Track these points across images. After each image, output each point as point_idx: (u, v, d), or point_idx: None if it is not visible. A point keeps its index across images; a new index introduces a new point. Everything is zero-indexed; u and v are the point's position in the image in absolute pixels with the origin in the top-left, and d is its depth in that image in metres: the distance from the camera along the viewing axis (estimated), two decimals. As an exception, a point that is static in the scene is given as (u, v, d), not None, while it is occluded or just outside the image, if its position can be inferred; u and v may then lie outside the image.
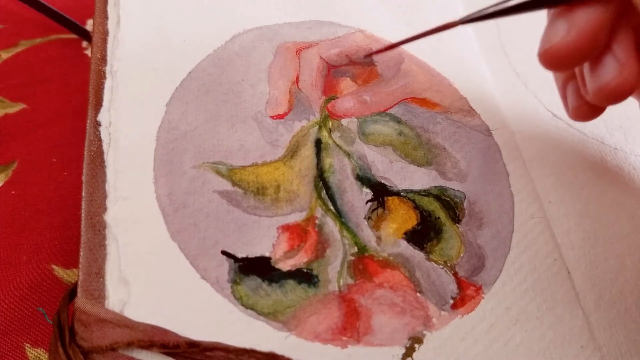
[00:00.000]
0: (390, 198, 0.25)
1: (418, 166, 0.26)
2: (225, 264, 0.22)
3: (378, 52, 0.28)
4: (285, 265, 0.23)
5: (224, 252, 0.22)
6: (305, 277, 0.23)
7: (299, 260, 0.23)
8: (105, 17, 0.27)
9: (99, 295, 0.21)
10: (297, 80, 0.27)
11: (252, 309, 0.21)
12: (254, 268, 0.22)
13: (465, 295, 0.24)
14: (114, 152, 0.23)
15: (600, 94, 0.22)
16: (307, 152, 0.26)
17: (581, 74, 0.23)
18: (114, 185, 0.23)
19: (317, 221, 0.24)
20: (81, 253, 0.21)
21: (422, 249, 0.24)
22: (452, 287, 0.24)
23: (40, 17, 0.37)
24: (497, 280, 0.24)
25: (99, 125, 0.24)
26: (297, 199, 0.24)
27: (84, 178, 0.23)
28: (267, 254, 0.23)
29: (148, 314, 0.20)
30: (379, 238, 0.24)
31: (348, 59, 0.29)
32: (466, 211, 0.26)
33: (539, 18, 0.23)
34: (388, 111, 0.28)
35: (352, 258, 0.23)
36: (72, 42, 0.38)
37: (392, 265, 0.24)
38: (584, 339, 0.24)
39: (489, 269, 0.25)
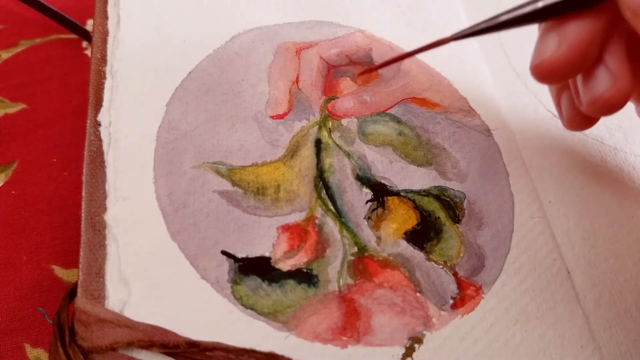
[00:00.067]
0: (390, 198, 0.25)
1: (418, 166, 0.26)
2: (225, 264, 0.22)
3: (370, 69, 0.28)
4: (285, 265, 0.23)
5: (224, 252, 0.22)
6: (305, 277, 0.23)
7: (299, 260, 0.23)
8: (105, 17, 0.27)
9: (99, 295, 0.21)
10: (297, 80, 0.28)
11: (252, 309, 0.21)
12: (254, 268, 0.22)
13: (465, 295, 0.24)
14: (114, 152, 0.23)
15: (594, 106, 0.22)
16: (307, 152, 0.26)
17: (575, 85, 0.23)
18: (114, 185, 0.23)
19: (317, 221, 0.24)
20: (81, 253, 0.21)
21: (422, 249, 0.24)
22: (452, 287, 0.24)
23: (40, 17, 0.37)
24: (497, 280, 0.24)
25: (99, 125, 0.24)
26: (297, 199, 0.24)
27: (84, 178, 0.23)
28: (267, 254, 0.23)
29: (148, 314, 0.20)
30: (378, 238, 0.24)
31: (348, 59, 0.29)
32: (466, 211, 0.26)
33: (539, 18, 0.22)
34: (388, 111, 0.28)
35: (352, 258, 0.23)
36: (72, 42, 0.38)
37: (392, 265, 0.24)
38: (584, 339, 0.24)
39: (488, 269, 0.25)
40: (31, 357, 0.27)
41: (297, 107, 0.27)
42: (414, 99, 0.28)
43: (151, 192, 0.23)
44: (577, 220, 0.27)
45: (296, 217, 0.24)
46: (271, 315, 0.21)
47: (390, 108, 0.28)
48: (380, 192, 0.25)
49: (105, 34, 0.27)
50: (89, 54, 0.37)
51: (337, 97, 0.28)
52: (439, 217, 0.25)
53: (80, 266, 0.21)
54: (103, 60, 0.26)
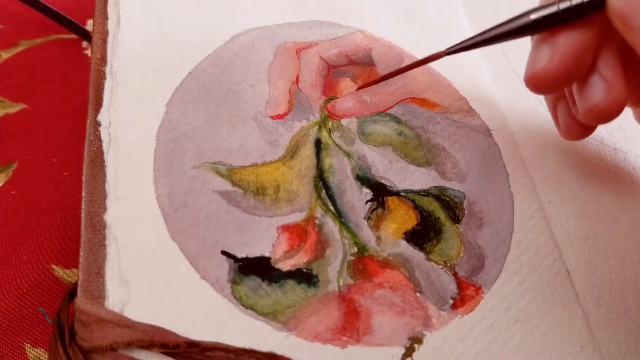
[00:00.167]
0: (390, 198, 0.25)
1: (418, 166, 0.26)
2: (225, 264, 0.22)
3: (368, 84, 0.28)
4: (285, 265, 0.23)
5: (223, 252, 0.22)
6: (305, 277, 0.23)
7: (298, 260, 0.23)
8: (105, 17, 0.27)
9: (99, 295, 0.21)
10: (297, 81, 0.28)
11: (251, 309, 0.21)
12: (254, 268, 0.22)
13: (465, 295, 0.24)
14: (114, 152, 0.23)
15: (590, 114, 0.22)
16: (307, 152, 0.26)
17: (571, 94, 0.23)
18: (114, 185, 0.23)
19: (316, 221, 0.24)
20: (81, 253, 0.21)
21: (421, 249, 0.24)
22: (452, 287, 0.24)
23: (40, 17, 0.37)
24: (497, 280, 0.24)
25: (99, 125, 0.24)
26: (296, 199, 0.24)
27: (84, 178, 0.23)
28: (267, 254, 0.23)
29: (148, 314, 0.20)
30: (378, 238, 0.24)
31: (348, 59, 0.29)
32: (466, 211, 0.26)
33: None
34: (388, 111, 0.28)
35: (352, 258, 0.23)
36: (72, 42, 0.38)
37: (392, 265, 0.24)
38: (584, 339, 0.24)
39: (488, 269, 0.25)
40: (31, 357, 0.27)
41: (297, 107, 0.27)
42: (413, 99, 0.28)
43: (151, 192, 0.23)
44: (577, 220, 0.27)
45: (296, 217, 0.24)
46: (271, 315, 0.21)
47: (390, 108, 0.28)
48: (380, 192, 0.25)
49: (105, 34, 0.27)
50: (89, 54, 0.37)
51: (337, 97, 0.28)
52: (438, 217, 0.25)
53: (80, 266, 0.21)
54: (103, 60, 0.26)
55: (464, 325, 0.23)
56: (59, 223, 0.30)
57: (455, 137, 0.28)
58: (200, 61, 0.27)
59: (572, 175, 0.28)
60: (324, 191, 0.25)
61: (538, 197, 0.27)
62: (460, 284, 0.24)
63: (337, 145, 0.26)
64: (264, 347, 0.21)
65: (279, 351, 0.21)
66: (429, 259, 0.24)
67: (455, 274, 0.24)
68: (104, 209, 0.22)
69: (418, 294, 0.23)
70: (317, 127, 0.26)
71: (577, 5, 0.20)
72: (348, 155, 0.26)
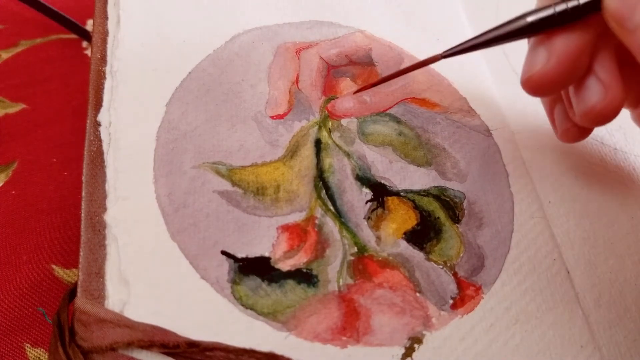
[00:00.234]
0: (390, 198, 0.25)
1: (418, 166, 0.26)
2: (225, 264, 0.22)
3: (364, 88, 0.28)
4: (284, 265, 0.23)
5: (223, 252, 0.22)
6: (304, 277, 0.23)
7: (298, 260, 0.23)
8: (105, 17, 0.27)
9: (99, 295, 0.21)
10: (297, 81, 0.28)
11: (251, 309, 0.21)
12: (254, 268, 0.22)
13: (464, 295, 0.24)
14: (114, 152, 0.23)
15: (587, 117, 0.22)
16: (307, 152, 0.26)
17: (567, 97, 0.23)
18: (114, 185, 0.23)
19: (316, 221, 0.24)
20: (81, 253, 0.21)
21: (421, 249, 0.24)
22: (452, 287, 0.24)
23: (40, 17, 0.37)
24: (497, 280, 0.24)
25: (99, 125, 0.24)
26: (296, 199, 0.24)
27: (84, 178, 0.23)
28: (266, 254, 0.23)
29: (148, 314, 0.20)
30: (378, 238, 0.24)
31: (348, 59, 0.29)
32: (466, 211, 0.26)
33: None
34: (388, 111, 0.28)
35: (352, 258, 0.23)
36: (72, 42, 0.38)
37: (392, 265, 0.24)
38: (584, 339, 0.24)
39: (488, 269, 0.25)
40: (31, 357, 0.27)
41: (296, 107, 0.27)
42: (413, 99, 0.28)
43: (151, 192, 0.23)
44: (577, 220, 0.27)
45: (296, 217, 0.24)
46: (271, 315, 0.21)
47: (390, 108, 0.28)
48: (380, 192, 0.25)
49: (105, 34, 0.27)
50: (89, 54, 0.37)
51: (337, 97, 0.28)
52: (438, 217, 0.25)
53: (80, 266, 0.21)
54: (103, 60, 0.26)
55: (464, 325, 0.23)
56: (59, 223, 0.30)
57: (455, 137, 0.28)
58: (200, 61, 0.27)
59: (572, 175, 0.28)
60: (324, 191, 0.25)
61: (538, 197, 0.27)
62: (460, 284, 0.24)
63: (337, 145, 0.26)
64: (264, 347, 0.21)
65: (278, 351, 0.21)
66: (428, 259, 0.24)
67: (455, 274, 0.24)
68: (104, 209, 0.22)
69: (418, 294, 0.23)
70: (317, 127, 0.26)
71: (573, 8, 0.20)
72: (348, 155, 0.26)
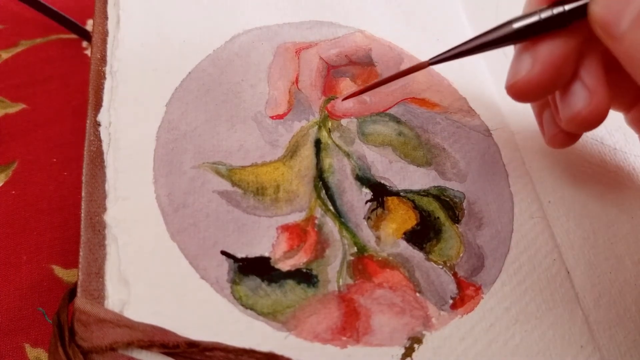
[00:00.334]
0: (389, 198, 0.25)
1: (417, 166, 0.26)
2: (225, 264, 0.22)
3: (354, 94, 0.27)
4: (284, 266, 0.23)
5: (223, 252, 0.22)
6: (304, 277, 0.23)
7: (298, 261, 0.23)
8: (105, 17, 0.27)
9: (98, 295, 0.21)
10: (297, 81, 0.28)
11: (251, 309, 0.21)
12: (254, 268, 0.22)
13: (464, 295, 0.24)
14: (113, 152, 0.23)
15: (572, 123, 0.22)
16: (307, 152, 0.26)
17: (555, 102, 0.23)
18: (114, 185, 0.23)
19: (316, 221, 0.24)
20: (81, 253, 0.21)
21: (421, 249, 0.24)
22: (452, 287, 0.24)
23: (40, 17, 0.37)
24: (497, 280, 0.24)
25: (99, 125, 0.24)
26: (296, 199, 0.24)
27: (83, 178, 0.23)
28: (266, 254, 0.23)
29: (148, 314, 0.20)
30: (378, 238, 0.24)
31: (348, 59, 0.29)
32: (465, 211, 0.26)
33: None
34: (387, 111, 0.28)
35: (352, 258, 0.23)
36: (72, 42, 0.38)
37: (392, 265, 0.24)
38: (584, 339, 0.24)
39: (488, 269, 0.25)
40: (31, 357, 0.27)
41: (296, 108, 0.27)
42: (413, 99, 0.28)
43: (151, 192, 0.23)
44: (577, 220, 0.27)
45: (296, 217, 0.24)
46: (271, 315, 0.21)
47: (389, 108, 0.28)
48: (380, 192, 0.25)
49: (105, 34, 0.27)
50: (89, 54, 0.37)
51: (337, 97, 0.28)
52: (438, 217, 0.25)
53: (80, 266, 0.21)
54: (103, 60, 0.26)
55: (463, 325, 0.23)
56: (59, 223, 0.30)
57: (455, 137, 0.28)
58: (200, 61, 0.27)
59: (572, 175, 0.28)
60: (323, 191, 0.25)
61: (538, 197, 0.27)
62: (460, 284, 0.24)
63: (337, 145, 0.26)
64: (263, 347, 0.21)
65: (278, 351, 0.21)
66: (428, 259, 0.24)
67: (455, 274, 0.24)
68: (103, 209, 0.22)
69: (418, 294, 0.23)
70: (316, 127, 0.26)
71: (559, 14, 0.20)
72: (348, 155, 0.26)
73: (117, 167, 0.23)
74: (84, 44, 0.38)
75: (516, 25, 0.21)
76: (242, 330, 0.21)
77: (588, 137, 0.30)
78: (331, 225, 0.24)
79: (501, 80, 0.31)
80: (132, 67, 0.26)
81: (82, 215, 0.22)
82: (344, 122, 0.27)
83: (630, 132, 0.27)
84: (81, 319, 0.20)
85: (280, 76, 0.27)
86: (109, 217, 0.22)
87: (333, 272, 0.23)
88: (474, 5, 0.33)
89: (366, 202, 0.25)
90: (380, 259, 0.24)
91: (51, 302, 0.28)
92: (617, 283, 0.26)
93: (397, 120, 0.27)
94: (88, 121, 0.24)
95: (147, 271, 0.21)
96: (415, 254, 0.24)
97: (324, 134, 0.26)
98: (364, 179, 0.25)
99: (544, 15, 0.21)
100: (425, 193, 0.26)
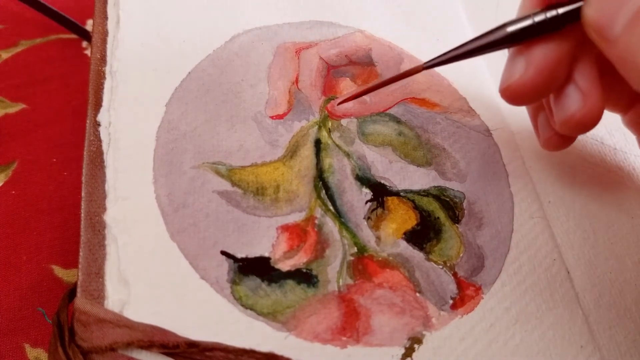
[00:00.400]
0: (389, 198, 0.25)
1: (418, 166, 0.26)
2: (225, 264, 0.22)
3: (349, 99, 0.27)
4: (284, 266, 0.23)
5: (223, 252, 0.22)
6: (304, 277, 0.23)
7: (298, 261, 0.23)
8: (105, 17, 0.27)
9: (98, 295, 0.21)
10: (297, 81, 0.28)
11: (251, 309, 0.21)
12: (254, 268, 0.22)
13: (464, 295, 0.24)
14: (113, 152, 0.23)
15: (566, 126, 0.22)
16: (307, 152, 0.26)
17: (549, 105, 0.23)
18: (114, 185, 0.23)
19: (316, 221, 0.24)
20: (81, 253, 0.21)
21: (421, 249, 0.24)
22: (452, 287, 0.24)
23: (40, 17, 0.37)
24: (497, 280, 0.24)
25: (99, 125, 0.24)
26: (296, 199, 0.24)
27: (83, 178, 0.23)
28: (266, 254, 0.23)
29: (148, 314, 0.20)
30: (378, 238, 0.24)
31: (348, 59, 0.29)
32: (466, 211, 0.26)
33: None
34: (388, 111, 0.28)
35: (352, 258, 0.23)
36: (72, 42, 0.38)
37: (392, 266, 0.24)
38: (584, 339, 0.24)
39: (488, 269, 0.25)
40: (31, 357, 0.27)
41: (296, 107, 0.27)
42: (413, 99, 0.28)
43: (151, 192, 0.23)
44: (577, 220, 0.27)
45: (296, 217, 0.24)
46: (271, 315, 0.21)
47: (389, 108, 0.28)
48: (380, 192, 0.25)
49: (105, 34, 0.27)
50: (89, 54, 0.37)
51: (337, 97, 0.28)
52: (438, 217, 0.25)
53: (80, 266, 0.21)
54: (103, 60, 0.26)
55: (463, 325, 0.23)
56: (59, 223, 0.30)
57: (455, 137, 0.28)
58: (200, 61, 0.27)
59: (572, 175, 0.28)
60: (323, 191, 0.25)
61: (538, 197, 0.27)
62: (460, 284, 0.24)
63: (337, 145, 0.26)
64: (263, 347, 0.21)
65: (278, 351, 0.21)
66: (428, 259, 0.24)
67: (455, 274, 0.24)
68: (103, 209, 0.22)
69: (418, 294, 0.23)
70: (316, 127, 0.26)
71: (552, 18, 0.20)
72: (348, 155, 0.26)
73: (117, 167, 0.23)
74: (84, 44, 0.38)
75: (510, 28, 0.21)
76: (242, 330, 0.21)
77: (588, 137, 0.30)
78: (331, 226, 0.24)
79: (501, 80, 0.31)
80: (132, 67, 0.26)
81: (82, 215, 0.22)
82: (344, 122, 0.27)
83: (630, 132, 0.27)
84: (81, 319, 0.20)
85: (280, 76, 0.27)
86: (109, 217, 0.22)
87: (333, 272, 0.23)
88: (474, 5, 0.33)
89: (366, 202, 0.25)
90: (380, 259, 0.24)
91: (51, 302, 0.28)
92: (617, 283, 0.26)
93: (397, 120, 0.27)
94: (88, 121, 0.24)
95: (147, 271, 0.21)
96: (415, 254, 0.24)
97: (324, 134, 0.26)
98: (364, 179, 0.25)
99: (538, 18, 0.21)
100: (426, 193, 0.26)
